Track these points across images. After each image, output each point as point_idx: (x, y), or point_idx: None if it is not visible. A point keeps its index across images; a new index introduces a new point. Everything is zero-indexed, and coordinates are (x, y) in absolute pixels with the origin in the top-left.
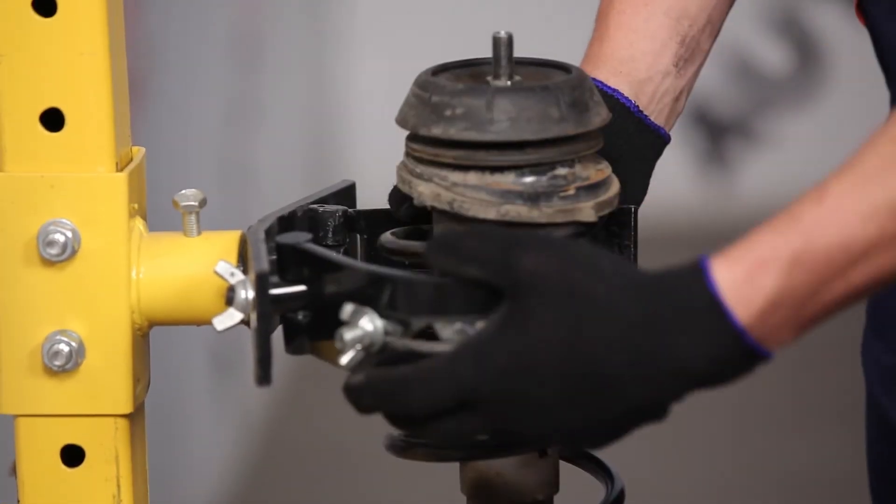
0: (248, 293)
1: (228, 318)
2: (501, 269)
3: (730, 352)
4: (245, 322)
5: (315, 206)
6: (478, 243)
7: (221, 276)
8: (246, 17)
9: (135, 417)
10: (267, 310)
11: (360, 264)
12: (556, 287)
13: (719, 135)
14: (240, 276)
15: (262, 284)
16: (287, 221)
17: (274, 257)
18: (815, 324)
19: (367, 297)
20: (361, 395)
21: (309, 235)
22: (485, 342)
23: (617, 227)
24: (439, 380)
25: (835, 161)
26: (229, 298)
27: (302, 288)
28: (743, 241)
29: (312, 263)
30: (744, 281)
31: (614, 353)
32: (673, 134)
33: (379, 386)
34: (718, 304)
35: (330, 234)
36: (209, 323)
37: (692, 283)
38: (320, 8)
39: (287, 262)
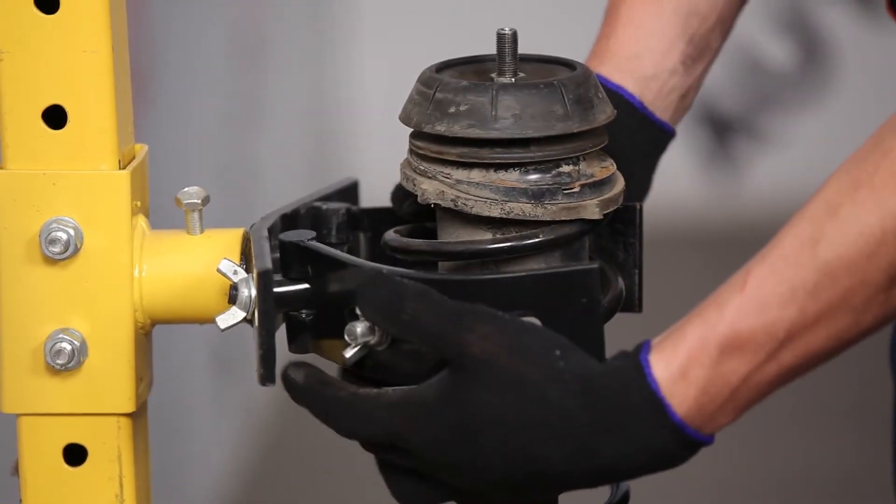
0: (250, 291)
1: (231, 317)
2: (446, 345)
3: (669, 445)
4: (248, 320)
5: (318, 203)
6: (422, 311)
7: (224, 275)
8: (248, 16)
9: (137, 416)
10: (270, 308)
11: (364, 262)
12: (502, 377)
13: (725, 133)
14: (242, 274)
15: (265, 282)
16: (290, 219)
17: (277, 255)
18: (754, 403)
19: None
20: (298, 395)
21: (312, 233)
22: (426, 409)
23: (622, 224)
24: (370, 422)
25: (840, 160)
26: (232, 297)
27: (305, 286)
28: (675, 331)
29: (316, 261)
30: (679, 376)
31: (557, 450)
32: (678, 132)
33: (312, 398)
34: (658, 401)
35: (333, 232)
36: (212, 321)
37: (633, 380)
38: (322, 7)
39: (290, 260)
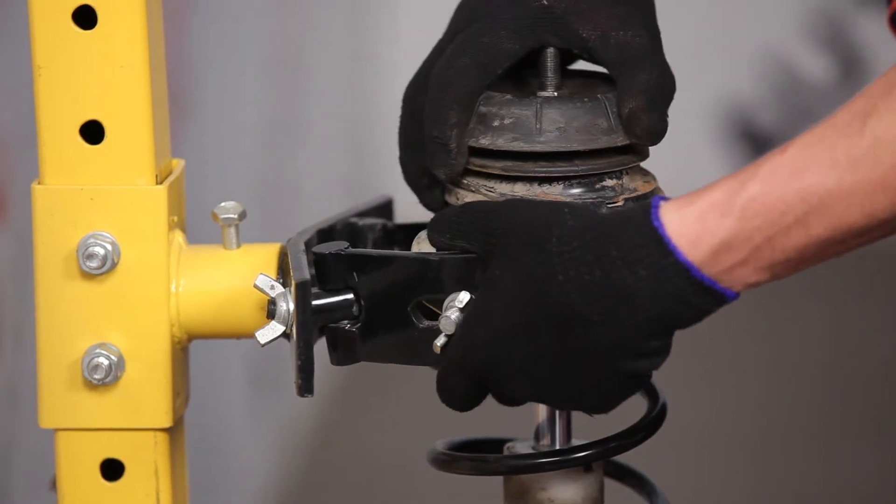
0: (289, 305)
1: (271, 331)
2: (482, 240)
3: (678, 286)
4: (287, 335)
5: (354, 219)
6: (463, 218)
7: (261, 290)
8: (286, 32)
9: (174, 431)
10: (308, 318)
11: (411, 252)
12: (517, 244)
13: (764, 149)
14: (280, 288)
15: (303, 293)
16: (326, 234)
17: (313, 270)
18: (784, 269)
19: (424, 282)
20: None
21: (345, 244)
22: (466, 320)
23: None
24: (448, 368)
25: None
26: (270, 311)
27: (341, 297)
28: (706, 186)
29: (366, 263)
30: (694, 221)
31: (568, 292)
32: (714, 147)
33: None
34: (661, 238)
35: (369, 247)
36: (248, 336)
37: (639, 220)
38: (361, 22)
39: (327, 272)
